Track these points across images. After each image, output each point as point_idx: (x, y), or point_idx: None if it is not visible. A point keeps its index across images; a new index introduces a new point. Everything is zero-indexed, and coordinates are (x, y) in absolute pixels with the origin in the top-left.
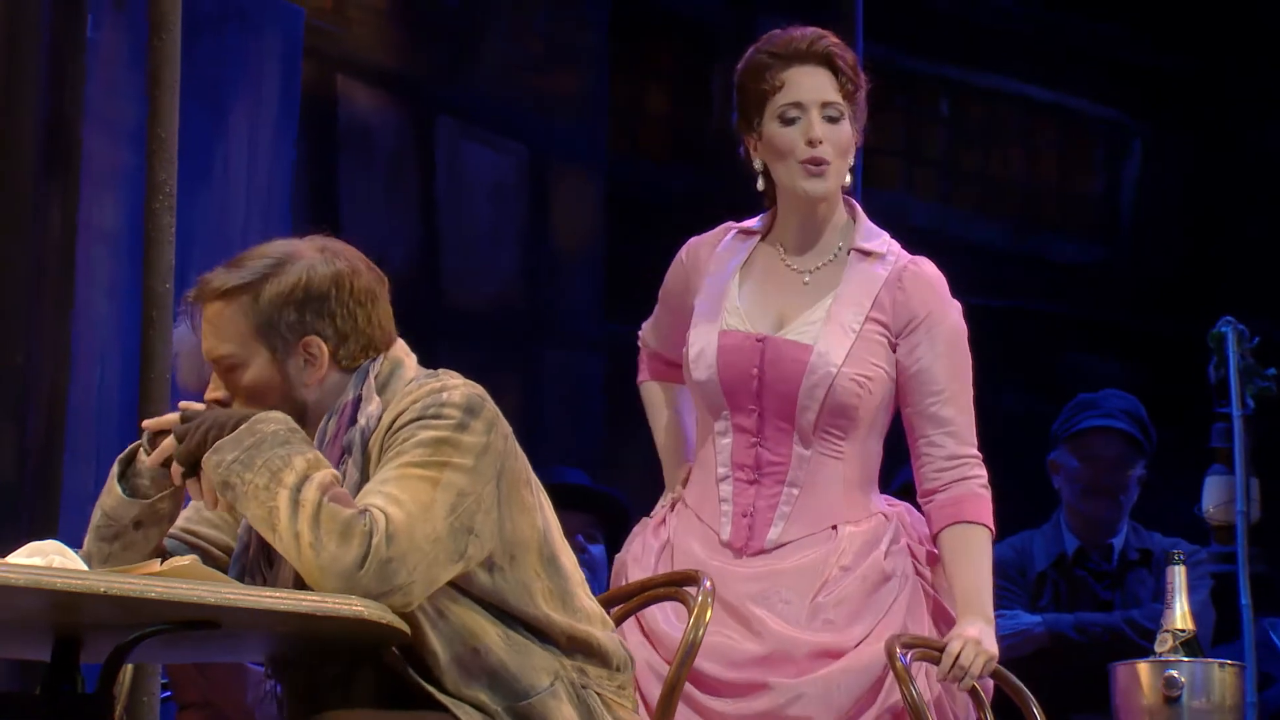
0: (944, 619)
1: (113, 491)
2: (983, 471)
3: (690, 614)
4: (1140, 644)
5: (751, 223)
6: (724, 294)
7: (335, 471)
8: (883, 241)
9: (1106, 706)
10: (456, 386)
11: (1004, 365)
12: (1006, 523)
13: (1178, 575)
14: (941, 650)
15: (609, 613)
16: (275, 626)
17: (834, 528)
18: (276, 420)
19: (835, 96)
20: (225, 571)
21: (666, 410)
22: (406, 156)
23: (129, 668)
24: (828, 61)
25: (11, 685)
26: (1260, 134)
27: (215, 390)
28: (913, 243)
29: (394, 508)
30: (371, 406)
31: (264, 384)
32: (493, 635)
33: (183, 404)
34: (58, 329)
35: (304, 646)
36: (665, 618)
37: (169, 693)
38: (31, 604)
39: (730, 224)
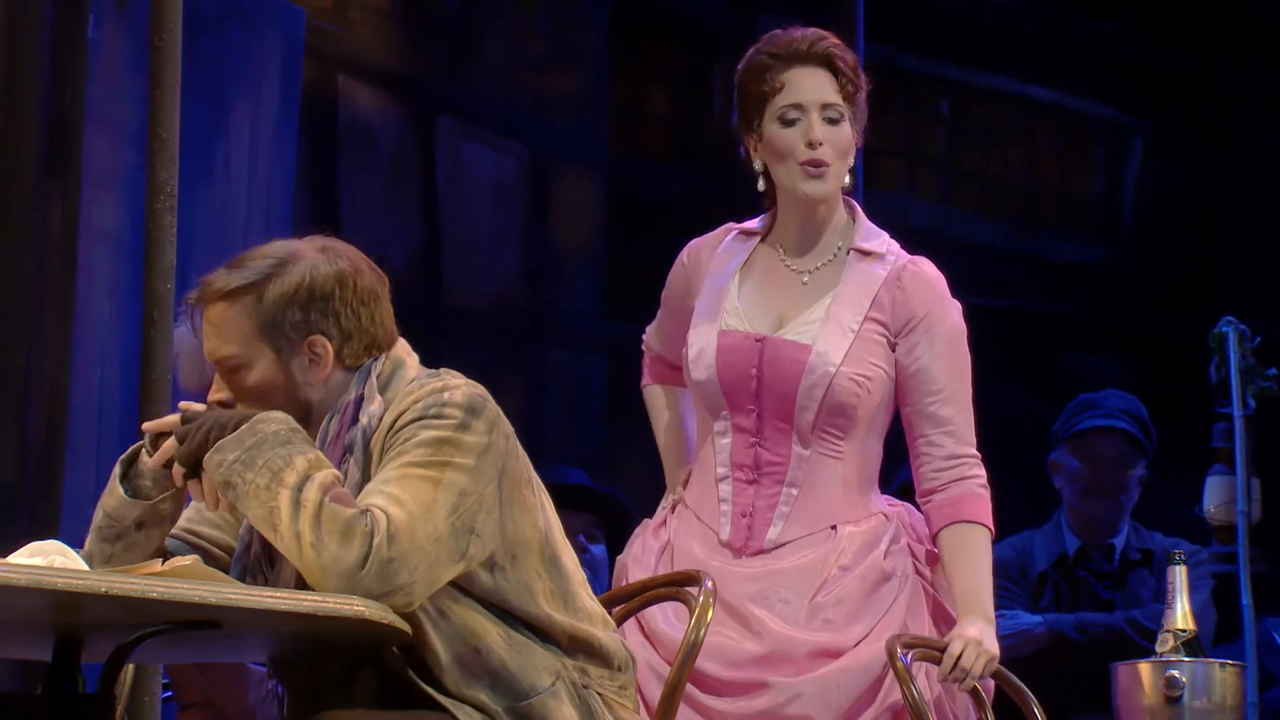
0: (944, 619)
1: (115, 492)
2: (982, 471)
3: (691, 614)
4: (1141, 644)
5: (752, 224)
6: (723, 294)
7: (336, 471)
8: (882, 241)
9: (1107, 707)
10: (458, 386)
11: (1004, 365)
12: (1007, 523)
13: (1179, 575)
14: (942, 651)
15: (610, 613)
16: (277, 626)
17: (833, 527)
18: (278, 420)
19: (835, 98)
20: (227, 572)
21: (668, 413)
22: (407, 156)
23: (130, 668)
24: (828, 63)
25: (13, 685)
26: (1261, 132)
27: (218, 391)
28: (913, 243)
29: (395, 508)
30: (373, 406)
31: (268, 384)
32: (494, 635)
33: (183, 404)
34: (59, 329)
35: (305, 646)
36: (665, 618)
37: (170, 693)
38: (33, 604)
39: (731, 225)
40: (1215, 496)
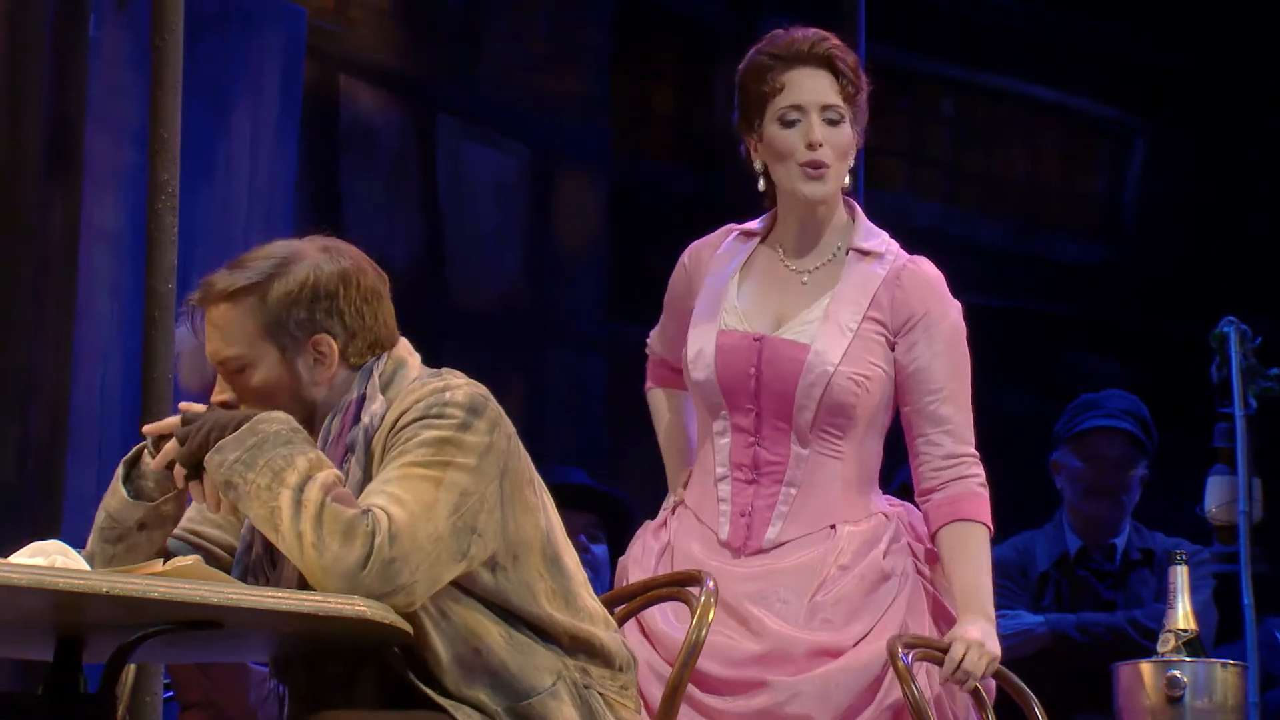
0: (945, 618)
1: (117, 494)
2: (980, 470)
3: (693, 614)
4: (1143, 644)
5: (752, 224)
6: (723, 294)
7: (338, 471)
8: (881, 241)
9: (1109, 707)
10: (460, 386)
11: (1006, 365)
12: (1007, 523)
13: (1180, 575)
14: (944, 651)
15: (612, 613)
16: (278, 627)
17: (832, 527)
18: (278, 420)
19: (836, 99)
20: (228, 572)
21: (671, 416)
22: (409, 156)
23: (131, 668)
24: (829, 64)
25: (14, 685)
26: (1262, 131)
27: (222, 393)
28: (915, 243)
29: (396, 508)
30: (375, 405)
31: (274, 384)
32: (495, 635)
33: (183, 405)
34: (60, 329)
35: (307, 647)
36: (664, 618)
37: (171, 693)
38: (34, 604)
39: (732, 226)
40: (1217, 496)
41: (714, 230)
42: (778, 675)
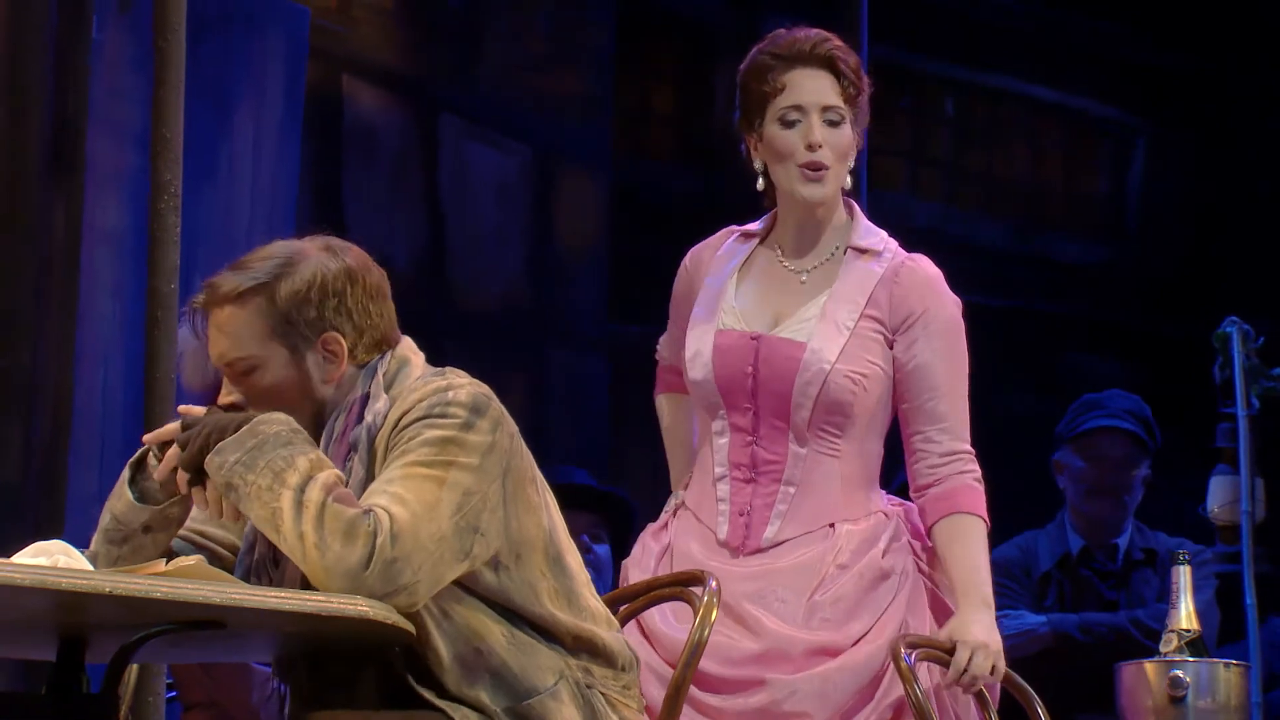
0: (946, 616)
1: (123, 496)
2: (976, 467)
3: (696, 614)
4: (1145, 644)
5: (752, 226)
6: (721, 294)
7: (339, 472)
8: (880, 239)
9: (1111, 707)
10: (462, 385)
11: (1006, 365)
12: (1009, 523)
13: (1183, 575)
14: (947, 651)
15: (614, 613)
16: (280, 627)
17: (831, 526)
18: (278, 421)
19: (836, 100)
20: (231, 571)
21: (676, 422)
22: (411, 156)
23: (134, 668)
24: (830, 65)
25: (17, 685)
26: (1262, 131)
27: (229, 394)
28: (916, 243)
29: (398, 507)
30: (379, 404)
31: (284, 384)
32: (497, 635)
33: (183, 409)
34: (62, 329)
35: (309, 647)
36: (664, 618)
37: (174, 693)
38: (37, 604)
39: (732, 227)
40: (1219, 496)
41: (715, 231)
42: (776, 674)
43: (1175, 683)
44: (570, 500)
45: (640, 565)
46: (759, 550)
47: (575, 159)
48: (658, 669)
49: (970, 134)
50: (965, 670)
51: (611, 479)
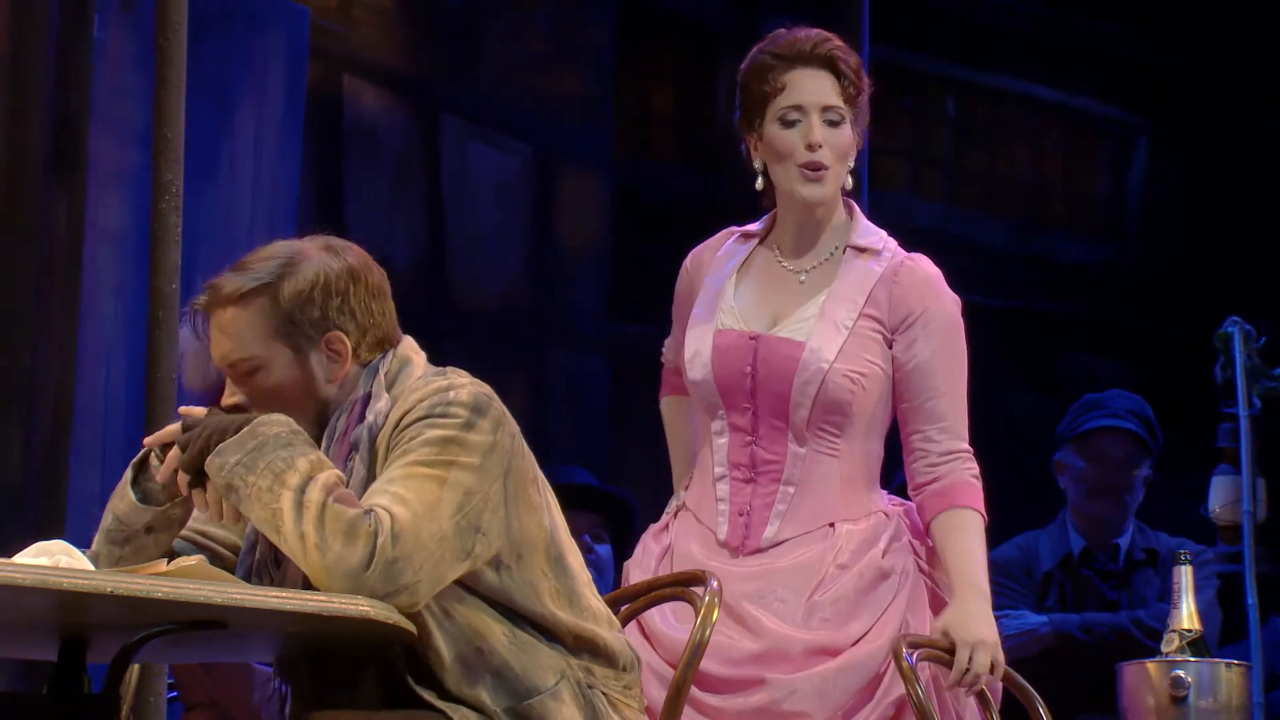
0: None
1: (125, 497)
2: (975, 465)
3: (697, 614)
4: (1147, 644)
5: (752, 226)
6: (720, 294)
7: (339, 472)
8: (879, 238)
9: (1113, 707)
10: (463, 385)
11: (1007, 365)
12: (1009, 523)
13: (1184, 575)
14: (948, 651)
15: (616, 613)
16: (282, 627)
17: (831, 525)
18: (278, 423)
19: (836, 100)
20: (233, 571)
21: (681, 424)
22: (412, 156)
23: (135, 668)
24: (830, 65)
25: (18, 685)
26: (1262, 131)
27: (232, 396)
28: (918, 243)
29: (399, 507)
30: (380, 404)
31: (288, 384)
32: (498, 634)
33: (183, 410)
34: (64, 329)
35: (311, 647)
36: (664, 618)
37: (175, 693)
38: (38, 604)
39: (733, 228)
40: (1220, 496)
41: (716, 231)
42: (775, 674)
43: (1177, 683)
44: (572, 500)
45: (641, 566)
46: (759, 550)
47: (576, 159)
48: (658, 669)
49: (971, 134)
50: (968, 669)
51: (612, 479)
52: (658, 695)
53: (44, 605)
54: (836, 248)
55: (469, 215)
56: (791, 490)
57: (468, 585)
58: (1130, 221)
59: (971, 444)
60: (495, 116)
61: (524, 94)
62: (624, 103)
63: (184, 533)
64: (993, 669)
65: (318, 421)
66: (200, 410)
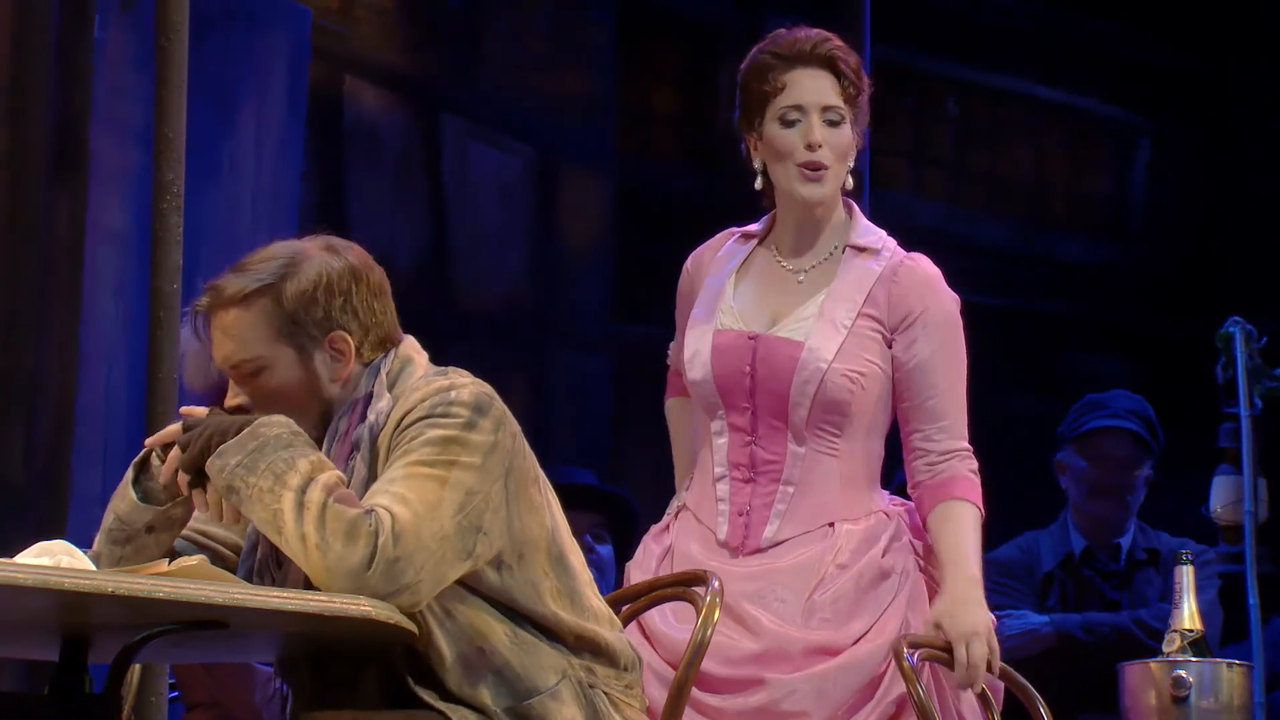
0: None
1: (126, 496)
2: (974, 462)
3: (699, 614)
4: (1148, 644)
5: (752, 227)
6: (720, 295)
7: (340, 472)
8: (878, 238)
9: (1114, 706)
10: (465, 385)
11: (1008, 365)
12: (1009, 523)
13: (1185, 575)
14: (947, 650)
15: (617, 613)
16: (283, 627)
17: (831, 525)
18: (279, 424)
19: (837, 100)
20: (234, 571)
21: (684, 426)
22: (414, 156)
23: (137, 668)
24: (830, 65)
25: (20, 685)
26: (1262, 131)
27: (234, 397)
28: (920, 243)
29: (400, 507)
30: (382, 403)
31: (292, 385)
32: (499, 634)
33: (184, 410)
34: (66, 329)
35: (312, 647)
36: (665, 618)
37: (177, 693)
38: (40, 604)
39: (733, 229)
40: (1222, 496)
41: (717, 231)
42: (775, 673)
43: (1178, 683)
44: (573, 500)
45: (642, 567)
46: (758, 550)
47: (577, 159)
48: (658, 669)
49: (973, 134)
50: (969, 663)
51: (613, 479)
52: (658, 695)
53: (45, 605)
54: (836, 247)
55: (470, 215)
56: (791, 490)
57: (469, 585)
58: (1132, 221)
59: (971, 444)
60: (496, 116)
61: (525, 94)
62: (625, 103)
63: (185, 533)
64: (989, 667)
65: (321, 421)
66: (201, 410)
